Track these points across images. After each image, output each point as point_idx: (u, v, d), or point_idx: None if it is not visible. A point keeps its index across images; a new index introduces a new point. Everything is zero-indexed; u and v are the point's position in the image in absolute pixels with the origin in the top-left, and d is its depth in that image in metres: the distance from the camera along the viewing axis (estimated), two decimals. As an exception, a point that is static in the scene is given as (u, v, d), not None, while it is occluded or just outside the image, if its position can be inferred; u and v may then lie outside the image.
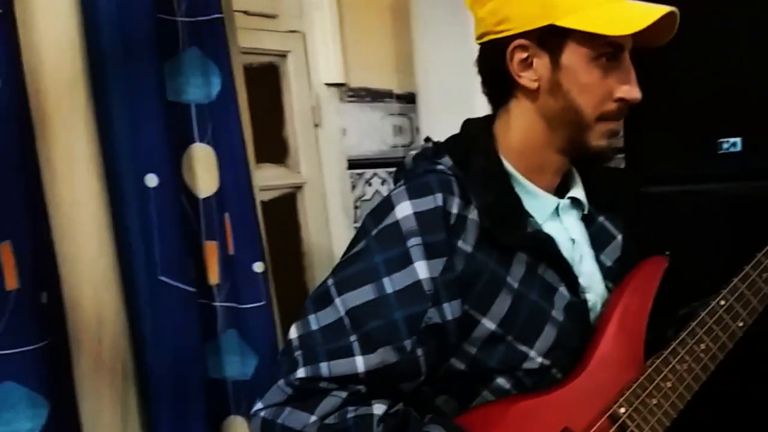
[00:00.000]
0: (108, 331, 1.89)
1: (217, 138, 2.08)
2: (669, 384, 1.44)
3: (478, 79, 1.62)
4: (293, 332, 1.34)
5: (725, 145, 2.00)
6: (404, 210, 1.36)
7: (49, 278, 1.82)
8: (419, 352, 1.31)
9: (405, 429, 1.29)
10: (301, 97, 2.56)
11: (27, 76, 1.75)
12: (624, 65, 1.43)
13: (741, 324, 1.51)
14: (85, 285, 1.87)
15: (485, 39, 1.45)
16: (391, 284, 1.31)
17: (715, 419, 1.96)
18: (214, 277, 2.10)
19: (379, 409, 1.29)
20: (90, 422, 1.88)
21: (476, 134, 1.50)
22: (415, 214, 1.35)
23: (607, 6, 1.38)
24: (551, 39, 1.39)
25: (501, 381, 1.40)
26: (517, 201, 1.42)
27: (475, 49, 1.53)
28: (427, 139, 1.52)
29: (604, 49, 1.39)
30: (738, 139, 2.00)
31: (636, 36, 1.39)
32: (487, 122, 1.52)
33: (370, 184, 2.91)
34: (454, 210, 1.36)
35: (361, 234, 1.40)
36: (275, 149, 2.54)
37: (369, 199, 2.89)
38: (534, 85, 1.42)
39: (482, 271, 1.35)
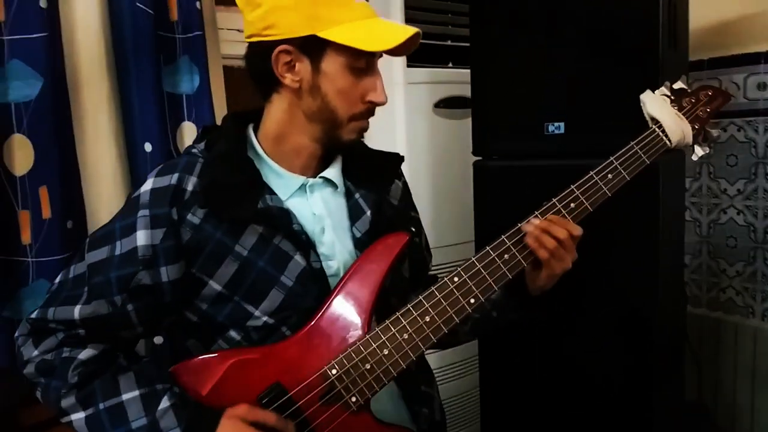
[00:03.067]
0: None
1: (198, 117, 1.76)
2: (386, 351, 0.96)
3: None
4: (57, 278, 1.00)
5: (551, 128, 1.43)
6: (147, 185, 0.98)
7: (74, 211, 1.62)
8: (129, 306, 0.94)
9: (99, 375, 0.93)
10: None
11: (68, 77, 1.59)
12: (374, 73, 1.00)
13: (472, 300, 0.99)
14: (102, 215, 1.63)
15: (253, 39, 0.99)
16: (120, 247, 0.95)
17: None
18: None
19: (85, 354, 0.94)
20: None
21: (230, 123, 1.05)
22: (152, 190, 0.96)
23: (363, 23, 0.97)
24: (313, 47, 0.96)
25: (233, 333, 0.98)
26: (252, 180, 0.99)
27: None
28: (203, 127, 1.09)
29: (359, 60, 0.97)
30: (562, 123, 1.47)
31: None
32: (251, 113, 1.07)
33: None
34: (189, 187, 0.96)
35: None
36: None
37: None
38: (296, 85, 0.98)
39: (208, 239, 0.95)
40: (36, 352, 0.94)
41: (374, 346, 0.94)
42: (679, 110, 1.12)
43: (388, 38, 0.94)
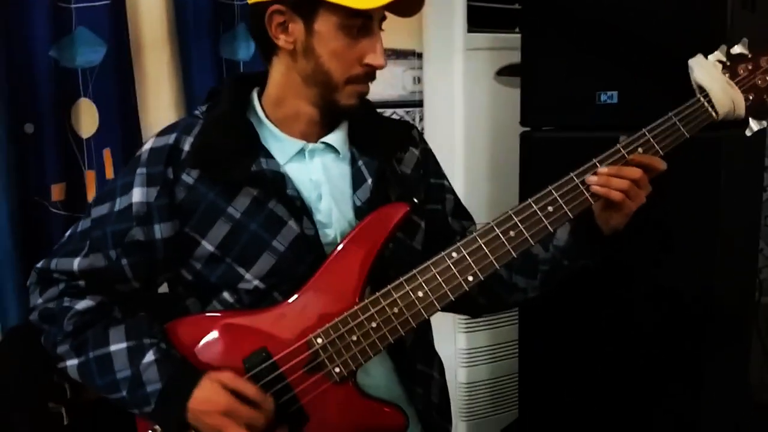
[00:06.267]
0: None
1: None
2: (374, 324, 0.95)
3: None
4: (68, 232, 1.05)
5: (603, 97, 1.35)
6: (147, 145, 1.01)
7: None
8: (124, 261, 0.98)
9: (93, 325, 0.98)
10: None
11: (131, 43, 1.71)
12: (372, 34, 0.97)
13: (470, 278, 0.95)
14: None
15: (252, 1, 0.99)
16: (118, 204, 0.99)
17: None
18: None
19: (82, 305, 0.98)
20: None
21: (230, 85, 1.06)
22: (150, 149, 1.00)
23: None
24: (305, 7, 0.95)
25: (226, 295, 1.00)
26: (249, 142, 1.00)
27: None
28: (210, 89, 1.10)
29: (353, 19, 0.94)
30: (615, 93, 1.38)
31: (387, 8, 0.95)
32: (255, 76, 1.08)
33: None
34: (186, 147, 0.99)
35: None
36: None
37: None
38: (290, 47, 0.98)
39: (201, 200, 0.98)
40: (40, 300, 1.00)
41: (362, 318, 0.93)
42: (732, 78, 1.01)
43: None
